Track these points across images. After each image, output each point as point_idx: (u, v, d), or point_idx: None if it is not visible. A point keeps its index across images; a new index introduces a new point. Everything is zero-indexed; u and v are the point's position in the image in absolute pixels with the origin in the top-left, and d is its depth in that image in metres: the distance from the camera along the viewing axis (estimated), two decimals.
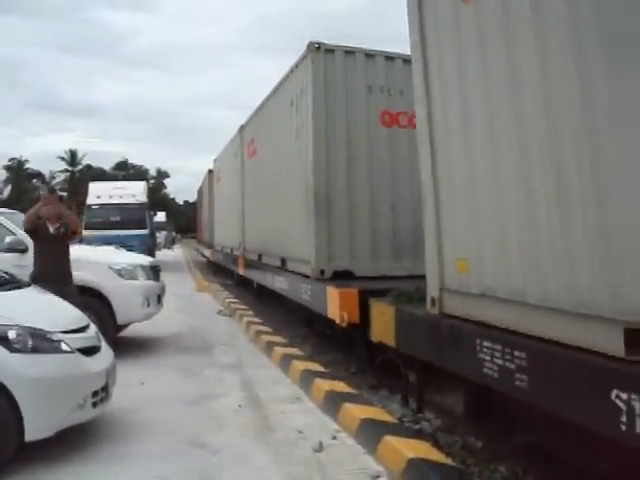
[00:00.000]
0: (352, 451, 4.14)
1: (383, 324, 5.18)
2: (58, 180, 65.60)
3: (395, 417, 4.65)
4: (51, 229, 6.17)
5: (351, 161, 7.22)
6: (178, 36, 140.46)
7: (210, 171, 22.91)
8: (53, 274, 5.91)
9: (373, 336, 5.48)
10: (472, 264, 3.82)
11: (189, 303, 12.19)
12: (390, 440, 3.88)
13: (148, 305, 7.46)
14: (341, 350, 7.48)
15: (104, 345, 4.53)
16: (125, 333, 7.98)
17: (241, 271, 13.26)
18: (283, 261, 8.90)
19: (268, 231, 10.20)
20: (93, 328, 4.54)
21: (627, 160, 2.66)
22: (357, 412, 4.51)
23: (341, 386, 5.37)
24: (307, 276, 7.36)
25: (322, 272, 7.05)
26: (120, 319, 7.20)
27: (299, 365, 6.17)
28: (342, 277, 6.93)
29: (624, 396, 2.52)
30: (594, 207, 2.80)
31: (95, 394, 4.09)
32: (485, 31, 3.63)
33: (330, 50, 7.21)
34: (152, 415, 4.88)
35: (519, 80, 3.32)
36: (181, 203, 76.65)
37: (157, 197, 58.04)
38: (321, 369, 6.13)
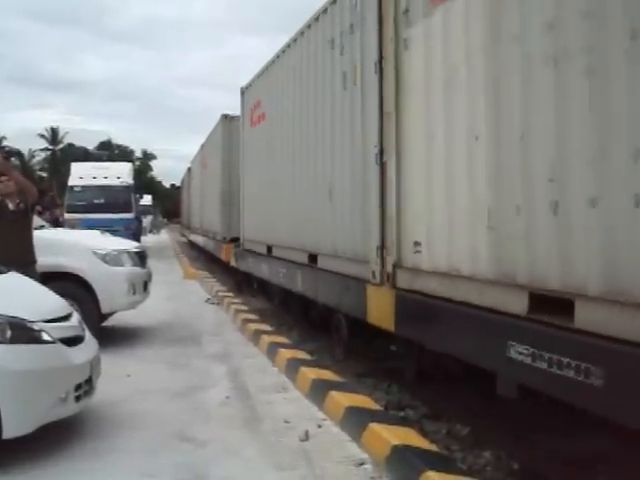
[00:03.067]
0: (337, 439, 4.25)
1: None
2: (38, 159, 64.53)
3: (380, 405, 4.76)
4: (10, 206, 5.93)
5: None
6: (165, 10, 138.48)
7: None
8: (14, 255, 5.54)
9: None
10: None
11: (177, 291, 12.25)
12: (374, 427, 3.98)
13: (134, 293, 7.36)
14: (328, 338, 7.59)
15: (88, 335, 4.46)
16: (110, 322, 8.02)
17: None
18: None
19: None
20: (76, 317, 4.46)
21: None
22: (342, 400, 4.61)
23: (327, 374, 5.47)
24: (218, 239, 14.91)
25: (224, 238, 13.74)
26: (104, 307, 7.09)
27: (285, 353, 6.26)
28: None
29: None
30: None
31: (78, 387, 4.01)
32: None
33: None
34: (138, 408, 4.93)
35: None
36: (168, 187, 76.24)
37: (143, 180, 57.55)
38: (307, 357, 6.23)
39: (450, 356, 4.21)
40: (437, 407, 4.91)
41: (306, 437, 4.28)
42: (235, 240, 12.19)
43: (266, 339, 7.04)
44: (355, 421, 4.27)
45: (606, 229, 2.83)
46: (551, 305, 3.14)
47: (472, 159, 3.93)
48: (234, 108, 12.30)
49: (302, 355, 6.26)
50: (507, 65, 3.58)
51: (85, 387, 4.12)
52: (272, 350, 6.60)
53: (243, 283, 12.05)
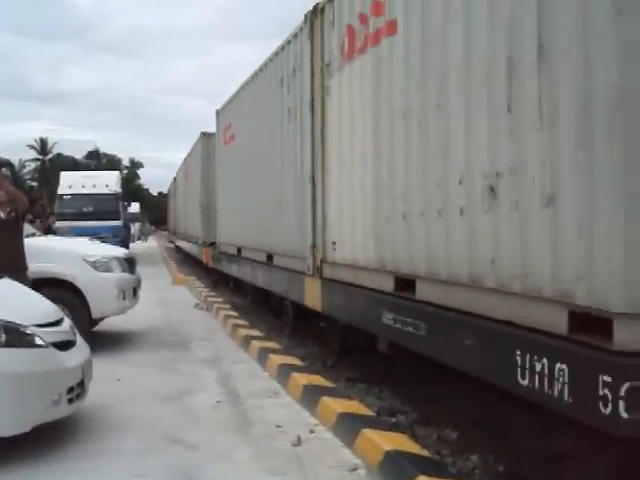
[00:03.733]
0: (330, 444, 4.20)
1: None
2: (28, 169, 64.97)
3: (373, 410, 4.74)
4: (2, 215, 5.98)
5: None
6: (150, 20, 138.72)
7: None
8: (6, 262, 5.61)
9: None
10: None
11: (165, 296, 12.17)
12: (367, 433, 3.95)
13: (124, 298, 7.39)
14: (318, 343, 7.59)
15: (79, 340, 4.49)
16: (100, 327, 7.95)
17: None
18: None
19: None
20: (67, 322, 4.50)
21: None
22: (335, 406, 4.58)
23: (318, 380, 5.44)
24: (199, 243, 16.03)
25: (204, 242, 14.83)
26: (95, 313, 7.12)
27: (276, 359, 6.22)
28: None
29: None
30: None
31: (71, 390, 4.05)
32: None
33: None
34: (129, 411, 4.88)
35: None
36: (155, 194, 76.00)
37: (131, 188, 57.42)
38: (298, 363, 6.19)
39: (364, 331, 5.46)
40: (427, 413, 4.91)
41: (298, 442, 4.23)
42: (213, 244, 13.53)
43: (256, 344, 6.99)
44: (348, 427, 4.23)
45: (436, 232, 4.18)
46: (405, 284, 4.61)
47: (364, 183, 5.32)
48: None
49: (293, 361, 6.22)
50: (382, 115, 4.98)
51: (77, 390, 4.15)
52: (262, 355, 6.55)
53: (220, 281, 13.74)
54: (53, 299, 4.89)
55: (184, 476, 3.69)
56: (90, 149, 71.81)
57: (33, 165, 65.57)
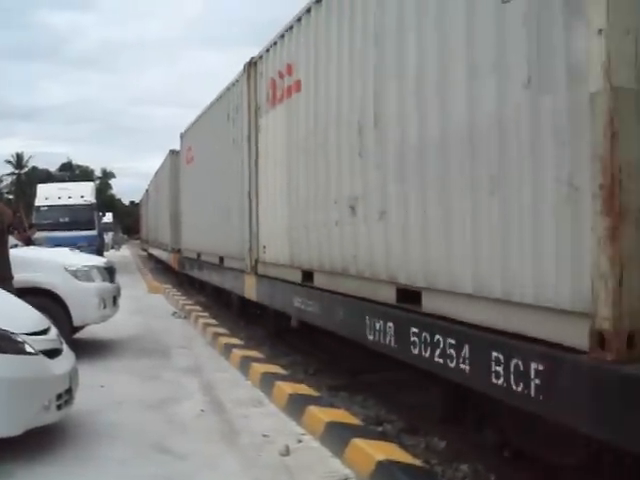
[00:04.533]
0: (319, 454, 4.14)
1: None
2: (5, 183, 66.61)
3: (358, 419, 4.70)
4: None
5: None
6: (120, 33, 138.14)
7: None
8: None
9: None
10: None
11: (142, 305, 11.95)
12: (358, 443, 3.91)
13: (104, 307, 7.38)
14: (299, 352, 7.56)
15: (65, 348, 4.45)
16: (81, 335, 7.78)
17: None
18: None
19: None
20: (54, 331, 4.45)
21: None
22: (322, 415, 4.53)
23: (303, 388, 5.39)
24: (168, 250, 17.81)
25: (172, 249, 16.66)
26: (76, 321, 7.10)
27: (259, 367, 6.14)
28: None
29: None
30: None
31: (59, 397, 4.03)
32: None
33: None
34: (115, 419, 4.77)
35: None
36: (127, 204, 75.13)
37: (103, 198, 56.87)
38: (281, 371, 6.13)
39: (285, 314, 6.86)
40: (413, 421, 4.89)
41: (287, 452, 4.16)
42: (179, 250, 15.29)
43: (238, 353, 6.90)
44: (336, 436, 4.18)
45: (322, 237, 5.74)
46: (308, 276, 6.13)
47: (281, 201, 6.94)
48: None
49: (276, 369, 6.15)
50: (292, 151, 6.59)
51: (65, 397, 4.13)
52: (245, 364, 6.47)
53: (185, 282, 15.67)
54: (35, 307, 4.83)
55: None
56: (63, 161, 71.82)
57: (10, 179, 67.16)
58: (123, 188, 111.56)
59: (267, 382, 5.70)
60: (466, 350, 3.44)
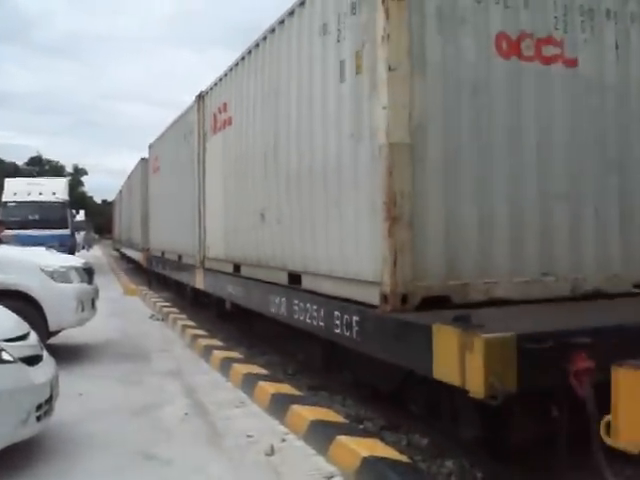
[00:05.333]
0: (303, 453, 4.17)
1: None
2: None
3: (342, 417, 4.72)
4: None
5: None
6: (96, 25, 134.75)
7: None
8: None
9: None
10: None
11: (119, 307, 11.79)
12: (342, 440, 3.94)
13: (82, 310, 7.08)
14: (277, 352, 7.56)
15: (45, 354, 4.26)
16: (56, 339, 7.61)
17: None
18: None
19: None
20: (34, 336, 4.26)
21: None
22: (305, 413, 4.55)
23: (285, 388, 5.40)
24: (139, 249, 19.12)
25: (142, 248, 17.48)
26: (52, 325, 6.77)
27: (240, 368, 6.13)
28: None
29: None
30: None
31: (39, 407, 3.81)
32: None
33: None
34: (96, 427, 4.67)
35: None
36: (99, 202, 73.91)
37: (75, 195, 55.53)
38: (262, 371, 6.12)
39: (234, 303, 8.03)
40: (394, 419, 4.93)
41: (272, 452, 4.18)
42: (148, 249, 16.22)
43: (218, 355, 6.87)
44: (320, 434, 4.21)
45: (247, 239, 7.31)
46: (237, 268, 7.70)
47: (220, 210, 8.53)
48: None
49: (257, 369, 6.15)
50: (226, 172, 8.32)
51: (45, 407, 3.91)
52: (225, 365, 6.45)
53: (153, 279, 16.51)
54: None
55: None
56: (31, 154, 68.97)
57: None
58: (95, 185, 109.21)
59: (249, 383, 5.69)
60: (322, 312, 5.00)
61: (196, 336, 8.13)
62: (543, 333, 3.24)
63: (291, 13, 5.97)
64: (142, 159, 18.38)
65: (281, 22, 6.23)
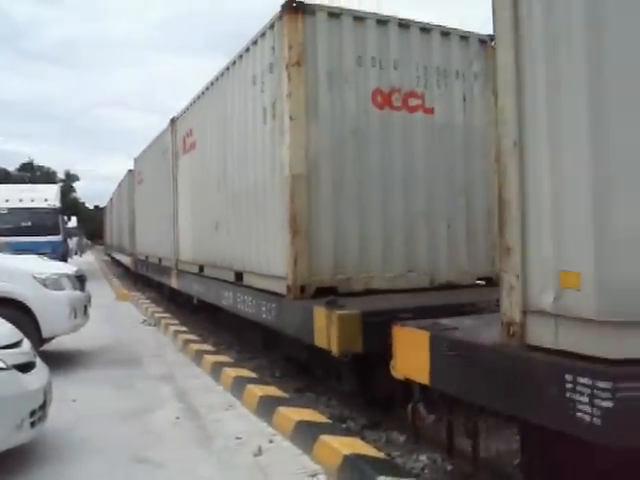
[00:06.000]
0: (289, 453, 4.32)
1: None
2: None
3: (326, 417, 4.88)
4: None
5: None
6: (86, 31, 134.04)
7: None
8: None
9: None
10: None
11: (111, 313, 11.88)
12: (325, 439, 4.10)
13: (75, 317, 7.14)
14: (265, 356, 7.69)
15: (38, 361, 4.33)
16: (49, 346, 7.70)
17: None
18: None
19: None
20: (27, 343, 4.32)
21: None
22: (291, 415, 4.70)
23: (273, 390, 5.55)
24: (127, 254, 20.81)
25: (131, 253, 19.07)
26: (45, 332, 6.82)
27: (230, 372, 6.27)
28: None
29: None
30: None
31: (33, 413, 3.88)
32: None
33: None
34: (89, 433, 4.78)
35: None
36: (91, 208, 73.60)
37: (67, 201, 55.26)
38: (251, 375, 6.27)
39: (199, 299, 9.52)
40: (375, 418, 5.09)
41: (259, 452, 4.33)
42: (135, 254, 17.80)
43: (209, 359, 7.01)
44: (305, 434, 4.37)
45: (208, 244, 8.78)
46: (202, 269, 9.11)
47: (188, 220, 10.10)
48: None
49: (246, 373, 6.29)
50: (193, 188, 9.84)
51: (39, 413, 3.99)
52: (216, 369, 6.59)
53: (139, 280, 17.94)
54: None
55: None
56: (23, 161, 68.63)
57: None
58: (87, 192, 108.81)
59: (238, 386, 5.83)
60: (254, 302, 6.45)
61: (188, 341, 8.26)
62: (380, 311, 4.56)
63: (233, 63, 7.43)
64: (129, 171, 19.31)
65: (227, 68, 7.72)
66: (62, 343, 8.03)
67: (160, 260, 12.90)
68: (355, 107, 5.76)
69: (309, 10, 5.64)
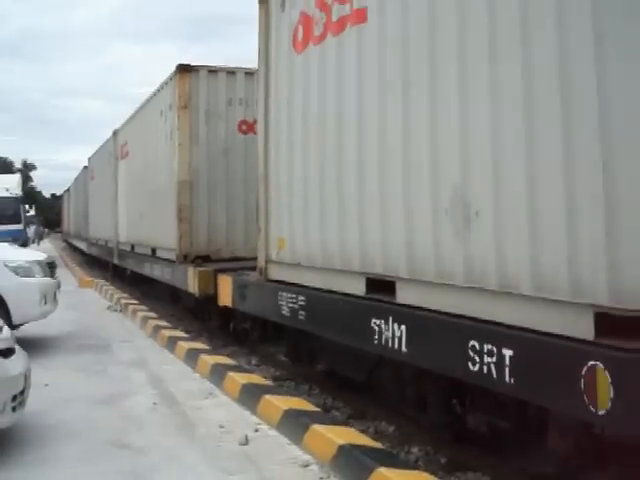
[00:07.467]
0: (277, 442, 4.08)
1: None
2: None
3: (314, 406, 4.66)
4: None
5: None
6: (44, 22, 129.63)
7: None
8: None
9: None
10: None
11: (75, 300, 11.28)
12: (317, 428, 3.88)
13: (45, 303, 6.88)
14: (239, 343, 7.45)
15: (18, 347, 4.10)
16: (17, 333, 7.25)
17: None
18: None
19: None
20: (7, 329, 4.08)
21: None
22: (278, 403, 4.46)
23: (256, 378, 5.31)
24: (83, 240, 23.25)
25: (86, 239, 21.14)
26: (16, 319, 6.52)
27: (208, 359, 5.98)
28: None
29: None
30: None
31: (14, 398, 3.69)
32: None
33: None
34: (66, 417, 4.46)
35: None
36: (48, 196, 71.23)
37: (24, 190, 53.27)
38: (230, 362, 5.99)
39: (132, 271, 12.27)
40: (360, 407, 4.91)
41: (246, 441, 4.07)
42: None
43: (184, 345, 6.69)
44: (294, 424, 4.14)
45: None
46: (133, 247, 12.18)
47: (123, 208, 13.17)
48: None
49: (225, 360, 6.01)
50: (128, 191, 12.68)
51: (20, 398, 3.78)
52: (192, 356, 6.28)
53: (90, 260, 19.73)
54: None
55: None
56: None
57: None
58: (45, 180, 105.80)
59: (217, 373, 5.55)
60: (162, 268, 9.47)
61: (158, 327, 7.90)
62: (224, 268, 7.26)
63: (151, 98, 10.37)
64: (85, 167, 21.41)
65: (148, 100, 10.61)
66: (28, 330, 7.56)
67: (106, 242, 15.50)
68: (225, 134, 8.31)
69: (194, 69, 8.32)
